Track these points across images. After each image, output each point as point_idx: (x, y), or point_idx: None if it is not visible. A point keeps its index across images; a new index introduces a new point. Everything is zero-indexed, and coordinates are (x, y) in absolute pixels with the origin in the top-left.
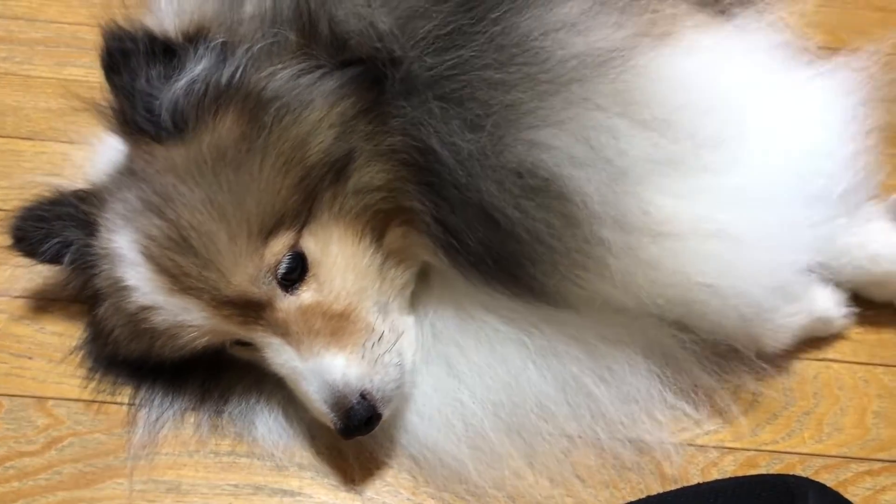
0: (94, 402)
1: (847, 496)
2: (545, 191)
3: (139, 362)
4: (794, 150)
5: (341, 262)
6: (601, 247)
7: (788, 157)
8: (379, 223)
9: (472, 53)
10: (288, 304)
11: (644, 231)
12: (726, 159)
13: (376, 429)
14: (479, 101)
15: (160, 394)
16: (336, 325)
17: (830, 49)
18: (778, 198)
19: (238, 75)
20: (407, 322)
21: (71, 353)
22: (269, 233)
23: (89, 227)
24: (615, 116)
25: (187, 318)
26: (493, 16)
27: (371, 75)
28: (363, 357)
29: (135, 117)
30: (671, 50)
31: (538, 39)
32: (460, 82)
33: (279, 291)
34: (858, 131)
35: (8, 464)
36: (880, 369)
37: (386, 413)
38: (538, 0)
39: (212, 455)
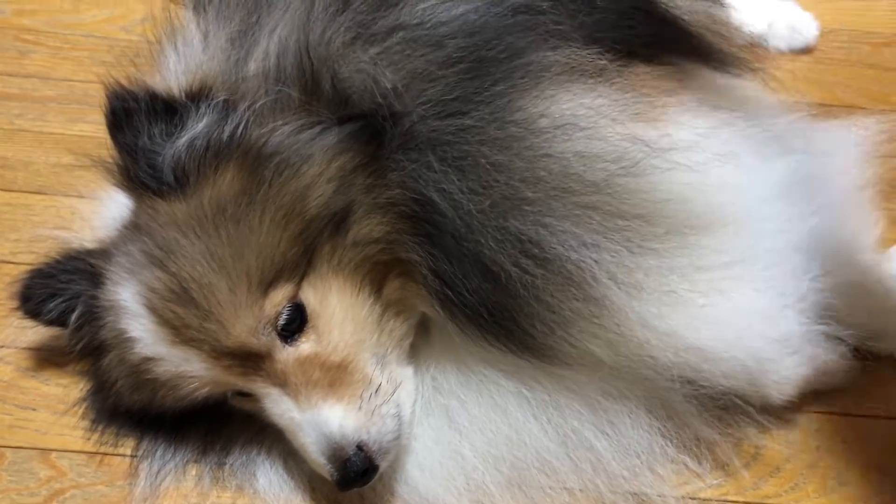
0: (96, 454)
1: None
2: (546, 260)
3: (142, 413)
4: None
5: (340, 313)
6: (598, 307)
7: (789, 205)
8: (377, 275)
9: (474, 123)
10: (287, 355)
11: (647, 292)
12: (727, 236)
13: (376, 481)
14: (479, 176)
15: (162, 445)
16: (334, 376)
17: (825, 106)
18: (777, 251)
19: (239, 131)
20: (405, 373)
21: (75, 405)
22: (268, 285)
23: (96, 280)
24: (624, 218)
25: (188, 369)
26: (497, 89)
27: (370, 130)
28: (360, 408)
29: (138, 173)
30: (662, 139)
31: (539, 134)
32: (462, 151)
33: (278, 342)
34: (857, 184)
35: None
36: (883, 422)
37: (383, 465)
38: (542, 85)
39: None
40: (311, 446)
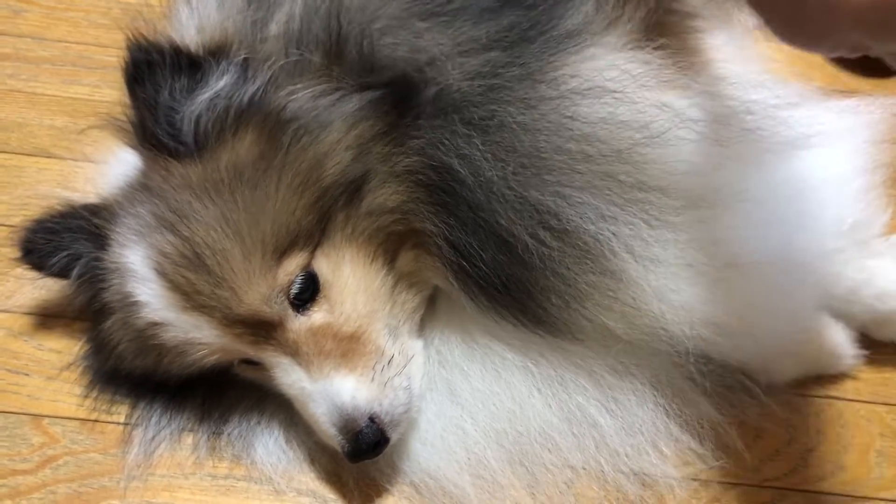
0: (90, 420)
1: None
2: (564, 231)
3: (141, 379)
4: (805, 183)
5: (353, 283)
6: (615, 280)
7: (799, 190)
8: (391, 246)
9: (504, 83)
10: (299, 324)
11: (664, 265)
12: (743, 212)
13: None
14: (503, 138)
15: (158, 412)
16: (346, 346)
17: (831, 90)
18: (789, 230)
19: (259, 94)
20: (416, 346)
21: (68, 368)
22: (282, 253)
23: (100, 240)
24: (643, 190)
25: (198, 336)
26: (533, 48)
27: (392, 99)
28: (373, 380)
29: (156, 131)
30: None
31: (568, 95)
32: (489, 111)
33: (291, 312)
34: (866, 166)
35: (1, 482)
36: (883, 408)
37: (394, 437)
38: (577, 47)
39: (209, 478)
40: (322, 417)
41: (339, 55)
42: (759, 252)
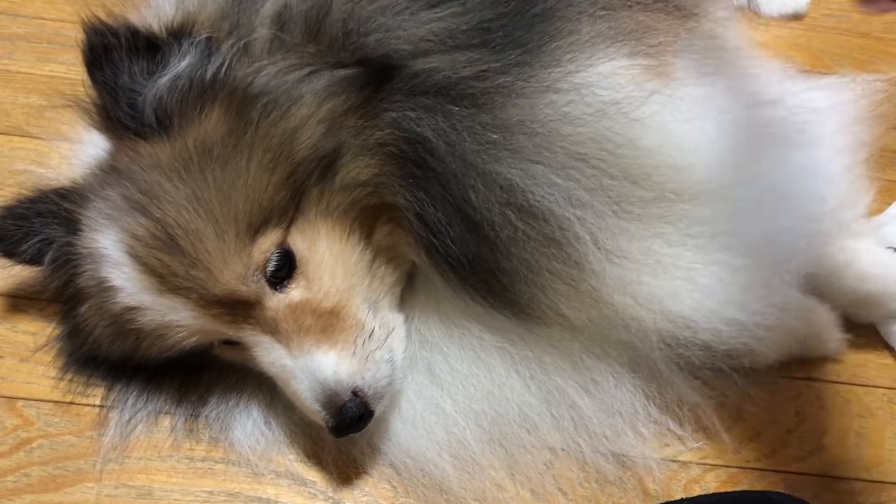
0: (64, 402)
1: None
2: (531, 212)
3: (119, 363)
4: (788, 163)
5: (330, 258)
6: (578, 269)
7: (782, 169)
8: (367, 220)
9: (489, 70)
10: (277, 301)
11: (628, 258)
12: (716, 206)
13: (358, 433)
14: (480, 113)
15: (134, 394)
16: (326, 322)
17: (814, 73)
18: (771, 210)
19: (224, 71)
20: (397, 319)
21: (42, 350)
22: (256, 230)
23: (71, 224)
24: (614, 178)
25: (175, 319)
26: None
27: (369, 75)
28: (354, 354)
29: (118, 114)
30: (666, 99)
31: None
32: (468, 89)
33: (268, 289)
34: (849, 148)
35: None
36: (862, 390)
37: (378, 410)
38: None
39: (186, 460)
40: (305, 393)
41: (319, 34)
42: (741, 239)
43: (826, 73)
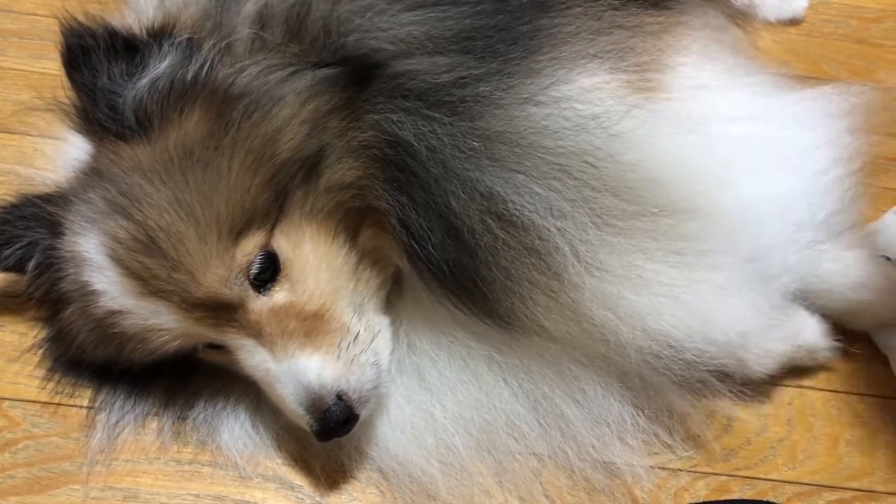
0: (51, 403)
1: None
2: (511, 221)
3: (105, 367)
4: (780, 172)
5: (314, 261)
6: (557, 281)
7: (774, 179)
8: (351, 223)
9: (472, 76)
10: (260, 304)
11: (609, 272)
12: (703, 223)
13: (346, 438)
14: (464, 120)
15: (122, 397)
16: (310, 325)
17: (811, 79)
18: (760, 226)
19: (204, 72)
20: (382, 322)
21: (30, 350)
22: (239, 232)
23: (55, 228)
24: (596, 190)
25: (157, 322)
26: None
27: (351, 75)
28: (339, 357)
29: (97, 115)
30: (648, 114)
31: (535, 93)
32: (452, 96)
33: (251, 292)
34: (842, 157)
35: None
36: (854, 398)
37: (364, 414)
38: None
39: (173, 463)
40: (290, 397)
41: (301, 34)
42: (727, 257)
43: (823, 80)
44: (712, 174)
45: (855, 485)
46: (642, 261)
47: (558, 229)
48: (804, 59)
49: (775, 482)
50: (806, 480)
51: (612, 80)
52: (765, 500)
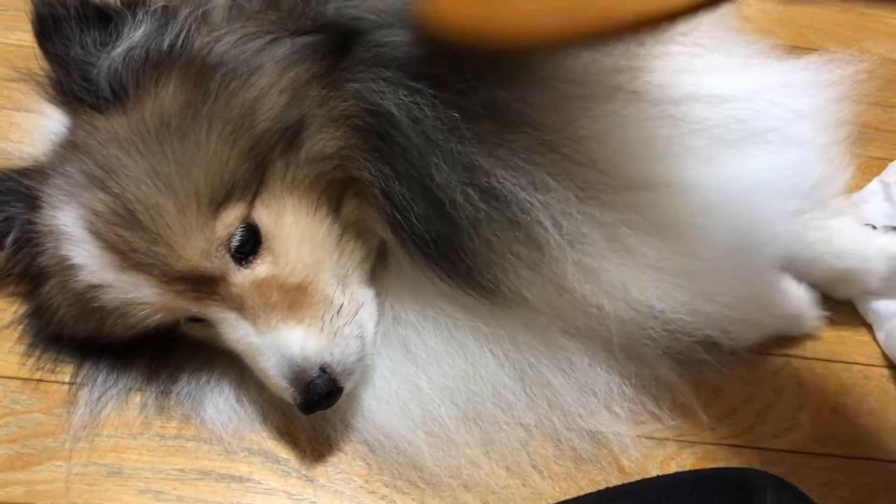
0: (32, 380)
1: (805, 491)
2: (493, 194)
3: (86, 342)
4: (766, 142)
5: (296, 233)
6: (539, 253)
7: (759, 149)
8: (334, 194)
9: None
10: (242, 277)
11: (591, 244)
12: (688, 197)
13: (331, 410)
14: (446, 90)
15: (104, 372)
16: (293, 297)
17: (797, 48)
18: (746, 199)
19: (180, 40)
20: (367, 294)
21: (9, 326)
22: (219, 204)
23: (33, 202)
24: (579, 165)
25: (138, 296)
26: None
27: (331, 43)
28: (322, 330)
29: (71, 86)
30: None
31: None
32: (433, 67)
33: (232, 265)
34: (827, 126)
35: None
36: (839, 366)
37: (348, 386)
38: None
39: (157, 438)
40: (272, 370)
41: (279, 1)
42: (713, 229)
43: (809, 50)
44: (697, 147)
45: (840, 451)
46: (626, 233)
47: (540, 202)
48: (791, 29)
49: (761, 450)
50: (792, 448)
51: (597, 61)
52: (751, 467)
